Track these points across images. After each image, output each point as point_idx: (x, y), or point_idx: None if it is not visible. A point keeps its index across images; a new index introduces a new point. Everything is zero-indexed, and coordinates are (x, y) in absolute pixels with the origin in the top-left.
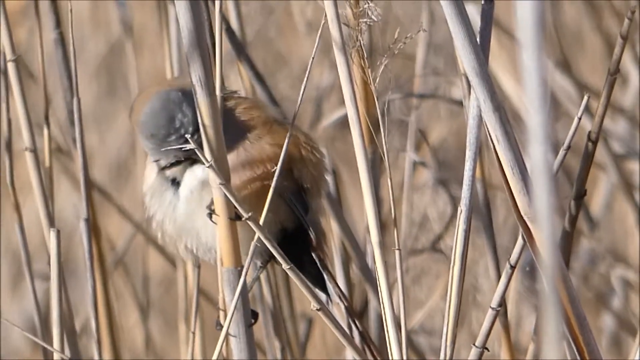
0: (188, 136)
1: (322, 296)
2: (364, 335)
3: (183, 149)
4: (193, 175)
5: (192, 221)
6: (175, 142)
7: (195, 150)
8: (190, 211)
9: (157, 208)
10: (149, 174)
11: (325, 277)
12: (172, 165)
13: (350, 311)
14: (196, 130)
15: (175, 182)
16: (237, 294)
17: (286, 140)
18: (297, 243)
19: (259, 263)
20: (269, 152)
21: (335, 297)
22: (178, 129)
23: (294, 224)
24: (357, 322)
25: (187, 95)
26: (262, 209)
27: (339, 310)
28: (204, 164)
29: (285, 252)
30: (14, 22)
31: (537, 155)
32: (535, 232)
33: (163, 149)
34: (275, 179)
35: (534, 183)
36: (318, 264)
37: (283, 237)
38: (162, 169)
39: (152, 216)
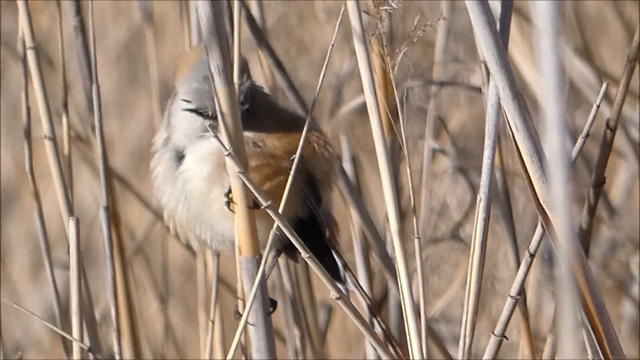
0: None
1: (340, 285)
2: (382, 325)
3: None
4: (201, 154)
5: (206, 210)
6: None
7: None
8: (205, 199)
9: (169, 195)
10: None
11: (340, 265)
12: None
13: (366, 299)
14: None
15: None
16: (256, 282)
17: (303, 132)
18: (311, 232)
19: (274, 252)
20: (282, 145)
21: (351, 286)
22: None
23: (307, 214)
24: (374, 311)
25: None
26: (277, 199)
27: (355, 299)
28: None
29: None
30: (34, 10)
31: (554, 143)
32: (553, 219)
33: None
34: (294, 168)
35: (551, 171)
36: (333, 253)
37: (297, 226)
38: (207, 118)
39: (163, 204)
